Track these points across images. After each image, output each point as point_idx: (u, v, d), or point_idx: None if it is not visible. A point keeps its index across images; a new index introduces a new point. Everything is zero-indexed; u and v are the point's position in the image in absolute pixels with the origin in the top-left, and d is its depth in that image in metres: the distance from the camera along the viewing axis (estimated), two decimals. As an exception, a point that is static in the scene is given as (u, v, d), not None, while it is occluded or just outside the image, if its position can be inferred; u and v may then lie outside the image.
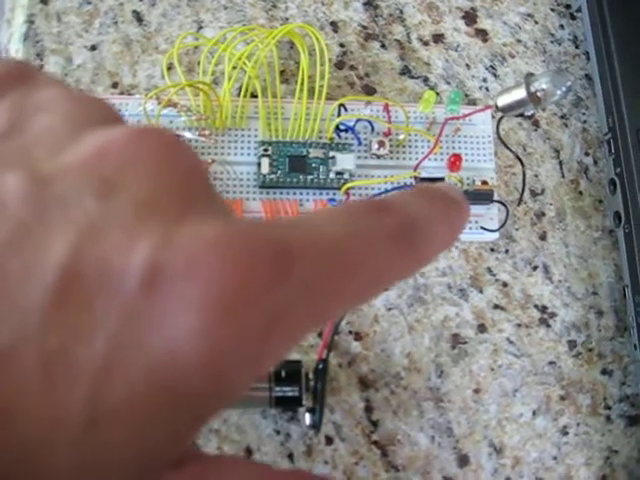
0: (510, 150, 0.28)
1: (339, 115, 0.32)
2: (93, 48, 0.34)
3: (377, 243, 0.11)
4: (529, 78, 0.24)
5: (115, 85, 0.33)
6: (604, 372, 0.32)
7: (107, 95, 0.33)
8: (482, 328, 0.32)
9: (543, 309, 0.32)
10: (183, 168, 0.10)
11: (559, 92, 0.24)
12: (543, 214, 0.33)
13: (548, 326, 0.32)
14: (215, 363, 0.09)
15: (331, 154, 0.31)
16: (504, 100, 0.25)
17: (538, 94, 0.24)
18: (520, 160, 0.29)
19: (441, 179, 0.30)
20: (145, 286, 0.08)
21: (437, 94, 0.34)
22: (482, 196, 0.30)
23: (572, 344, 0.32)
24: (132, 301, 0.08)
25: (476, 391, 0.31)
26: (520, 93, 0.24)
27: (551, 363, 0.32)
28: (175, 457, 0.09)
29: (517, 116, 0.33)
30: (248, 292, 0.09)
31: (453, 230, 0.14)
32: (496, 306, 0.32)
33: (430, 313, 0.31)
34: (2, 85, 0.11)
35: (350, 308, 0.11)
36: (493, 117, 0.33)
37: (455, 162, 0.30)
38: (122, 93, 0.33)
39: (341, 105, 0.32)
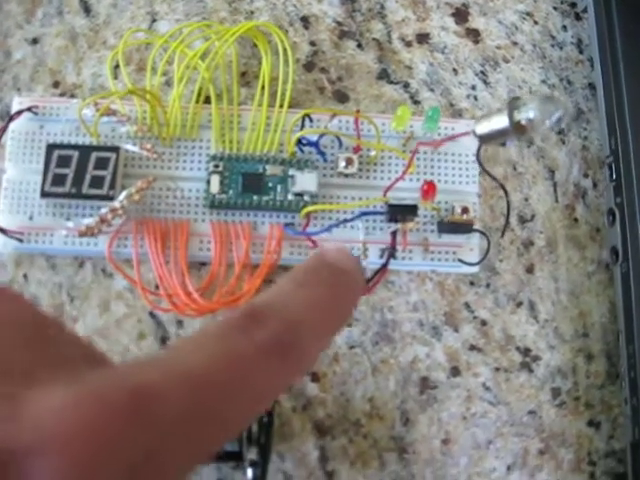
0: (492, 177, 0.24)
1: (302, 126, 0.28)
2: (34, 41, 0.30)
3: (250, 363, 0.11)
4: (513, 104, 0.20)
5: (56, 84, 0.30)
6: (590, 424, 0.28)
7: (46, 95, 0.29)
8: (455, 371, 0.28)
9: (526, 352, 0.29)
10: (27, 315, 0.11)
11: (547, 122, 0.20)
12: (532, 243, 0.30)
13: (530, 371, 0.28)
14: None
15: (290, 172, 0.27)
16: (483, 128, 0.21)
17: (523, 123, 0.20)
18: (504, 189, 0.25)
19: (413, 207, 0.26)
20: None
21: (416, 105, 0.30)
22: (459, 228, 0.27)
23: (556, 392, 0.28)
24: None
25: (445, 442, 0.28)
26: (502, 121, 0.21)
27: (531, 412, 0.28)
28: None
29: (499, 145, 0.29)
30: (105, 446, 0.09)
31: (343, 313, 0.14)
32: (472, 347, 0.28)
33: (397, 353, 0.28)
34: None
35: (239, 430, 0.12)
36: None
37: (428, 191, 0.26)
38: (63, 94, 0.29)
39: (306, 115, 0.28)
